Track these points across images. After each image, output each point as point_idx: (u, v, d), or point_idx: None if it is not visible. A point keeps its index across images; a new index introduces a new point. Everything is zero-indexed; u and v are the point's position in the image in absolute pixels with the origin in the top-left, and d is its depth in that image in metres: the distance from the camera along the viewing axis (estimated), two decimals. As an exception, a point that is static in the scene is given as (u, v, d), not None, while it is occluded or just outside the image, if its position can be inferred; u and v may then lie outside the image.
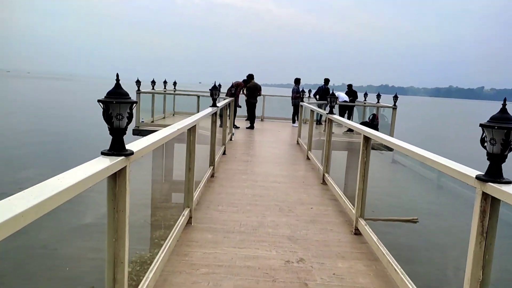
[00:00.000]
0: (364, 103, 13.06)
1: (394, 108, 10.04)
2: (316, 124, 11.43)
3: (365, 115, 12.47)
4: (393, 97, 10.00)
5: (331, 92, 6.07)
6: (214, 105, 5.41)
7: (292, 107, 13.54)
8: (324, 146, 5.96)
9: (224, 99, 8.61)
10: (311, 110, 7.92)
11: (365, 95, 13.16)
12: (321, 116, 10.18)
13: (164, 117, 12.58)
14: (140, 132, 9.82)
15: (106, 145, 1.83)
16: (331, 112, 5.66)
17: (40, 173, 9.42)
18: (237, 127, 11.64)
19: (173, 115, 13.77)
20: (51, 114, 26.22)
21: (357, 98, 13.38)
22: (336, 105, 12.22)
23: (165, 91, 12.87)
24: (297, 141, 9.47)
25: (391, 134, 9.87)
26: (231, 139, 9.19)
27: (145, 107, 11.28)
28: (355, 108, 12.78)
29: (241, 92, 11.95)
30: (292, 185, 5.62)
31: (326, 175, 5.65)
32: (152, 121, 11.26)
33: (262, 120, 14.55)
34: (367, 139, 3.68)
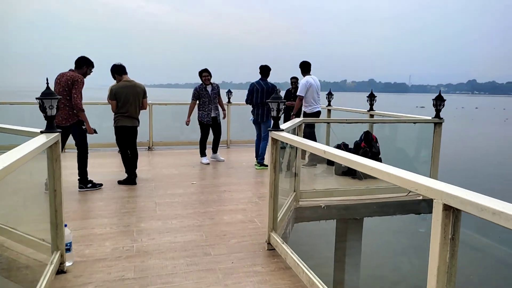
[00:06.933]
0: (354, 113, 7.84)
1: (438, 122, 4.77)
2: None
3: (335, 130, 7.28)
4: (435, 99, 4.60)
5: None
6: None
7: (200, 124, 6.77)
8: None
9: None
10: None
11: (329, 94, 7.87)
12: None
13: None
14: None
15: None
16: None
17: None
18: (95, 187, 5.15)
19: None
20: None
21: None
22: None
23: None
24: (269, 240, 3.31)
25: (433, 175, 4.76)
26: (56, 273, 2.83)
27: None
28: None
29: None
30: None
31: None
32: None
33: (149, 149, 8.18)
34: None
